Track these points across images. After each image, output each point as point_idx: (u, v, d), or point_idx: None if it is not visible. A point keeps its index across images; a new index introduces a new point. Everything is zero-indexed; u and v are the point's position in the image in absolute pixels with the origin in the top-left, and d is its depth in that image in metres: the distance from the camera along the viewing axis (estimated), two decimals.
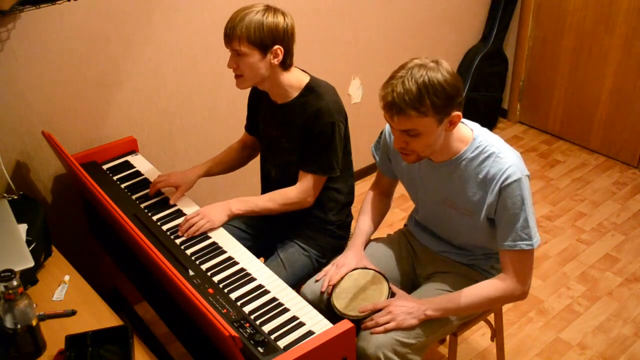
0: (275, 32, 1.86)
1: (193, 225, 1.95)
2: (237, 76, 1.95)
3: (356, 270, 1.89)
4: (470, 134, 1.75)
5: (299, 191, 2.02)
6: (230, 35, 1.87)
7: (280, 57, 1.90)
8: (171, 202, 2.11)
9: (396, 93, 1.57)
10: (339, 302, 1.81)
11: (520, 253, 1.72)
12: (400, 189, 2.12)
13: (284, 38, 1.89)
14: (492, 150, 1.71)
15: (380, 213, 2.08)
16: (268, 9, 1.88)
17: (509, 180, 1.67)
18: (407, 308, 1.77)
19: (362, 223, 2.04)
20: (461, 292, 1.79)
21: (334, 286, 1.85)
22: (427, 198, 1.91)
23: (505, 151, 1.71)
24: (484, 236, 1.83)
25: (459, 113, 1.64)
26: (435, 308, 1.78)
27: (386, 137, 1.95)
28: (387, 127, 1.94)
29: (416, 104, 1.56)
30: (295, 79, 1.99)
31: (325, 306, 1.85)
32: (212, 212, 1.99)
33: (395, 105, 1.57)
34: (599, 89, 3.62)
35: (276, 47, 1.88)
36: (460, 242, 1.94)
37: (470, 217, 1.79)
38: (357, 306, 1.79)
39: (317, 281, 1.92)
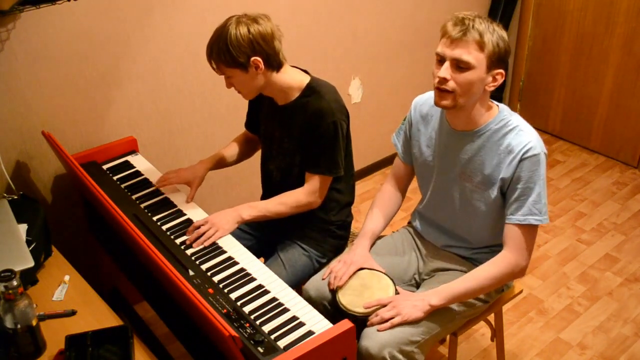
0: (243, 47, 1.84)
1: (202, 234, 1.93)
2: (238, 92, 1.99)
3: (363, 270, 1.90)
4: (496, 109, 1.81)
5: (308, 193, 2.01)
6: (211, 64, 1.92)
7: (262, 65, 1.88)
8: (188, 201, 2.12)
9: (467, 19, 1.66)
10: (345, 299, 1.82)
11: (527, 228, 1.75)
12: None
13: (255, 47, 1.85)
14: (516, 124, 1.77)
15: (392, 210, 2.08)
16: (238, 23, 1.85)
17: (529, 153, 1.71)
18: (412, 302, 1.78)
19: (370, 221, 2.03)
20: (463, 277, 1.81)
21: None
22: (443, 170, 1.90)
23: (527, 127, 1.78)
24: (491, 218, 1.84)
25: (503, 72, 1.71)
26: (439, 297, 1.78)
27: (411, 112, 1.98)
28: (414, 103, 1.99)
29: (482, 33, 1.65)
30: (294, 80, 1.99)
31: (329, 302, 1.85)
32: (221, 220, 1.96)
33: (463, 26, 1.65)
34: (599, 89, 3.62)
35: (252, 59, 1.86)
36: (465, 229, 1.93)
37: (483, 191, 1.81)
38: (362, 304, 1.80)
39: (322, 279, 1.92)
